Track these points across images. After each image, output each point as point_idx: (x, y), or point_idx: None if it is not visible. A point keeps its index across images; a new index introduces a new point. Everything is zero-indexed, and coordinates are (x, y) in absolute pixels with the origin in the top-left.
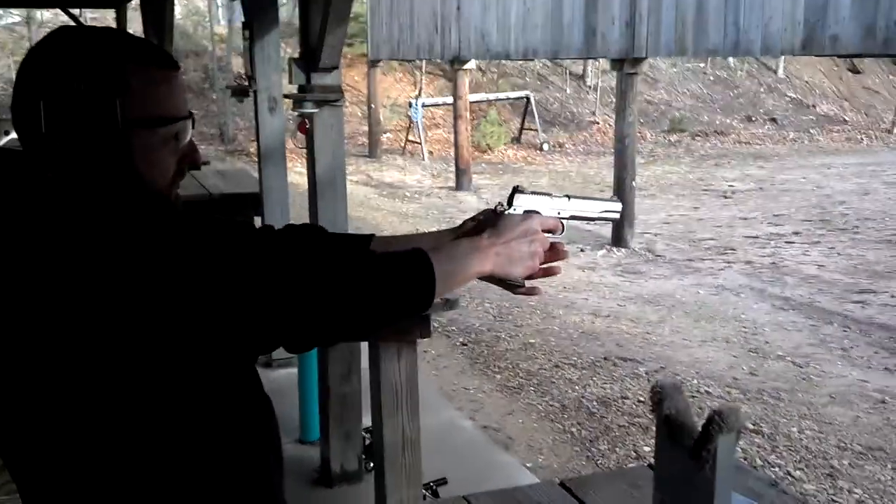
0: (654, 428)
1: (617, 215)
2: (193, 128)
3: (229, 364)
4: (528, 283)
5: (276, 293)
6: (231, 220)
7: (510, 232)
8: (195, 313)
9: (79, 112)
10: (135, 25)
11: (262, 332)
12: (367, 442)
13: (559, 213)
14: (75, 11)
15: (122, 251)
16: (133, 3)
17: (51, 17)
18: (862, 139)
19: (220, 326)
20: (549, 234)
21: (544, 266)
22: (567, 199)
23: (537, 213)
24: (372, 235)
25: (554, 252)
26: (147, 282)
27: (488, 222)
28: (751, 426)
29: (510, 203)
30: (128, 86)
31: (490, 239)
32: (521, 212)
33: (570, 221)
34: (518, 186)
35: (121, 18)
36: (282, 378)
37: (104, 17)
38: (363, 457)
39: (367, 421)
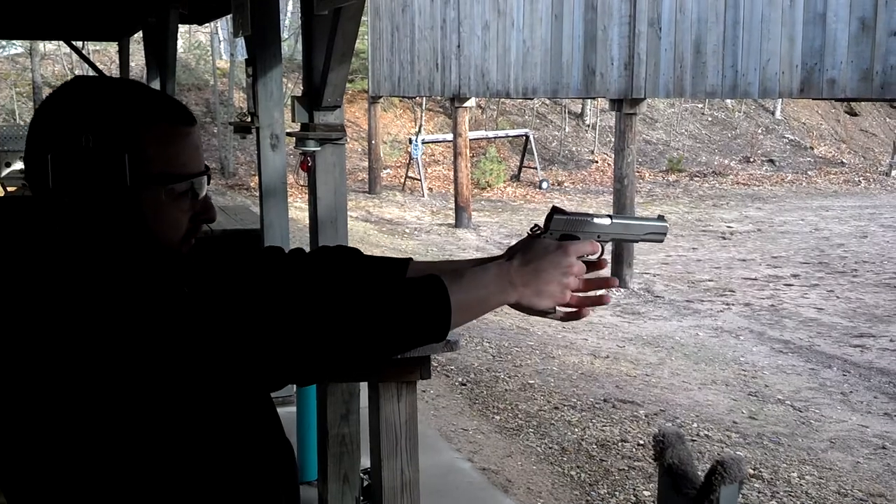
0: (654, 472)
1: (663, 236)
2: (209, 183)
3: (244, 406)
4: (562, 310)
5: (277, 323)
6: (241, 250)
7: (540, 261)
8: (195, 351)
9: (86, 167)
10: (137, 58)
11: (265, 363)
12: (366, 483)
13: (599, 237)
14: (78, 44)
15: (110, 299)
16: (136, 36)
17: (53, 49)
18: (860, 181)
19: (223, 360)
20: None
21: (588, 295)
22: (609, 219)
23: (575, 237)
24: (409, 260)
25: (599, 281)
26: (137, 331)
27: (520, 245)
28: (751, 471)
29: (546, 227)
30: (138, 141)
31: (519, 267)
32: (559, 236)
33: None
34: (557, 207)
35: (123, 51)
36: (280, 417)
37: (107, 50)
38: (361, 498)
39: (365, 462)
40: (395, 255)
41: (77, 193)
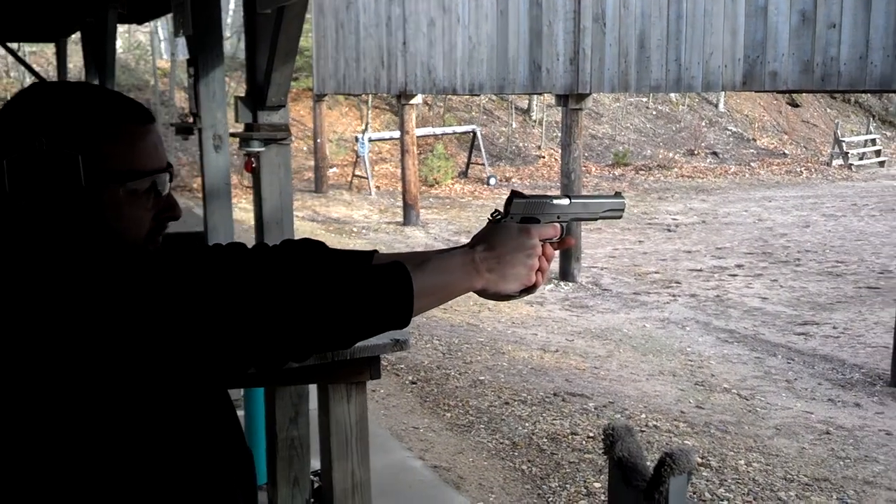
0: (604, 464)
1: (621, 212)
2: (172, 180)
3: (204, 409)
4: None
5: (238, 309)
6: (203, 246)
7: (504, 245)
8: (155, 344)
9: (40, 169)
10: (75, 59)
11: (225, 349)
12: (316, 486)
13: (559, 218)
14: (14, 46)
15: (78, 290)
16: (73, 37)
17: None
18: (801, 172)
19: (183, 347)
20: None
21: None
22: (568, 200)
23: (536, 220)
24: (374, 252)
25: (560, 244)
26: (101, 320)
27: (483, 233)
28: (699, 459)
29: (507, 211)
30: (93, 141)
31: (482, 253)
32: (519, 219)
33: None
34: (515, 191)
35: (61, 53)
36: None
37: (43, 52)
38: (312, 501)
39: (315, 464)
40: None
41: (32, 196)
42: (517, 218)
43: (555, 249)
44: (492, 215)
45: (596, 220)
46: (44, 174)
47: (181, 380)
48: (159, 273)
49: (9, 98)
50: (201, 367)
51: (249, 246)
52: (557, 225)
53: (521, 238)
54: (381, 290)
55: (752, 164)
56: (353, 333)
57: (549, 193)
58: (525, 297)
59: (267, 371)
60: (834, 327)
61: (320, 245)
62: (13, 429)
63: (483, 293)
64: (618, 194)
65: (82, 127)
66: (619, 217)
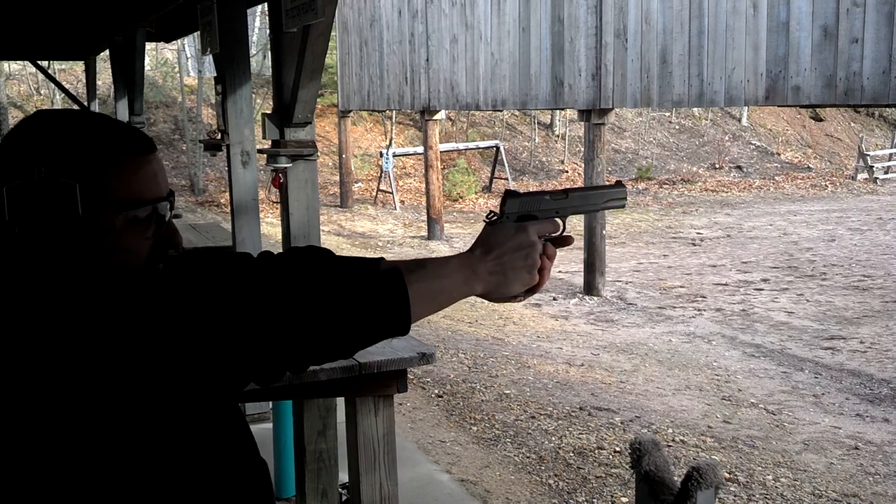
0: (630, 478)
1: (624, 201)
2: (172, 209)
3: (216, 422)
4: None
5: (234, 321)
6: (206, 251)
7: (502, 247)
8: (154, 358)
9: (38, 198)
10: (104, 77)
11: (225, 359)
12: (344, 498)
13: (558, 213)
14: (44, 63)
15: (75, 315)
16: (102, 55)
17: (19, 69)
18: (826, 186)
19: (182, 361)
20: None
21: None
22: (565, 194)
23: (534, 217)
24: (381, 259)
25: (558, 241)
26: (100, 341)
27: (480, 236)
28: (726, 475)
29: (502, 211)
30: (91, 170)
31: (481, 256)
32: (515, 219)
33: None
34: (510, 190)
35: (90, 70)
36: (256, 433)
37: (73, 69)
38: None
39: (343, 477)
40: None
41: (31, 224)
42: (513, 217)
43: (556, 246)
44: (487, 217)
45: (597, 211)
46: (42, 203)
47: (186, 395)
48: (158, 293)
49: (20, 120)
50: (203, 382)
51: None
52: (557, 220)
53: (518, 237)
54: (377, 298)
55: (776, 177)
56: (351, 342)
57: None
58: (531, 299)
59: (266, 385)
60: (861, 342)
61: (326, 253)
62: (25, 452)
63: (487, 296)
64: (618, 183)
65: (81, 156)
66: (623, 206)
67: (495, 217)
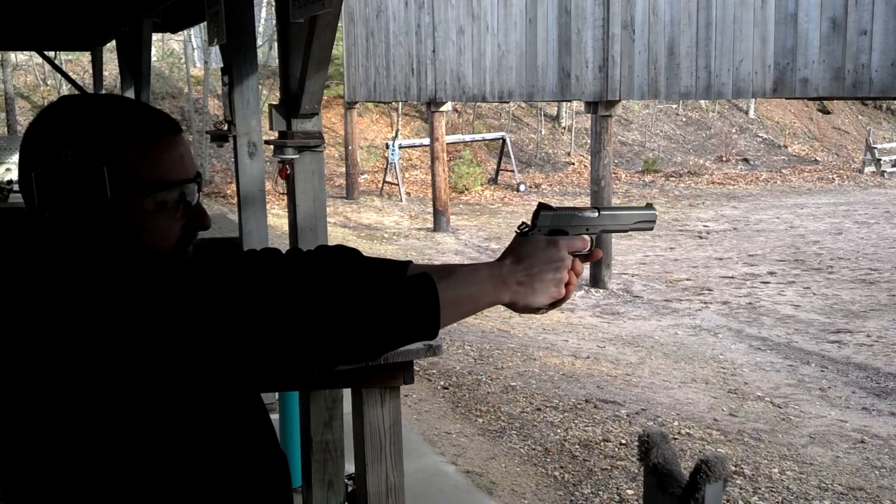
0: (636, 471)
1: (653, 224)
2: (200, 190)
3: (238, 413)
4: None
5: (266, 316)
6: (236, 252)
7: (532, 258)
8: (187, 351)
9: (66, 182)
10: (110, 67)
11: (253, 356)
12: (350, 489)
13: (587, 230)
14: (50, 54)
15: (103, 301)
16: (109, 45)
17: (25, 59)
18: (833, 179)
19: (216, 354)
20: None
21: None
22: (597, 212)
23: (564, 232)
24: (409, 262)
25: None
26: (127, 330)
27: (511, 246)
28: (732, 468)
29: (534, 224)
30: (118, 153)
31: (510, 266)
32: (546, 232)
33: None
34: (543, 203)
35: (96, 61)
36: None
37: (79, 60)
38: None
39: (349, 468)
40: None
41: (57, 208)
42: (545, 230)
43: (583, 262)
44: (519, 228)
45: (626, 231)
46: (70, 187)
47: (209, 386)
48: (187, 282)
49: (45, 105)
50: (229, 374)
51: (283, 251)
52: (586, 237)
53: (549, 251)
54: (408, 302)
55: (783, 170)
56: (381, 344)
57: (577, 205)
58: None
59: (298, 375)
60: (868, 335)
61: (355, 253)
62: (41, 439)
63: (512, 306)
64: (649, 206)
65: (107, 139)
66: (650, 229)
67: (527, 229)
